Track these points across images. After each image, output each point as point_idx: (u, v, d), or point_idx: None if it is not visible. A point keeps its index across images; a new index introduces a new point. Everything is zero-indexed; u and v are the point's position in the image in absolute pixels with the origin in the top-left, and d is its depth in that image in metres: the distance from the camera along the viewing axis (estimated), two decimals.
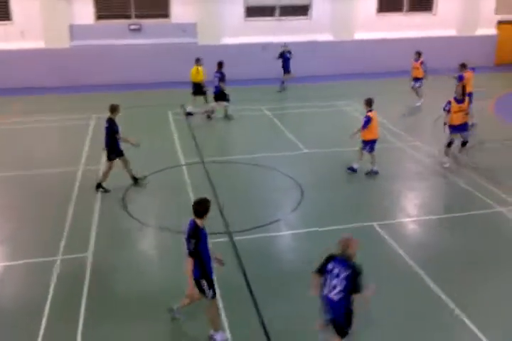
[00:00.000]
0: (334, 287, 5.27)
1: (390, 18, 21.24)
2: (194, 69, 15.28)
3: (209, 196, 9.94)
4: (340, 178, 11.15)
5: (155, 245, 8.76)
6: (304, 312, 6.44)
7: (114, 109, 10.19)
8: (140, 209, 9.83)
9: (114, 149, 10.27)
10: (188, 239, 5.87)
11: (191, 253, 5.84)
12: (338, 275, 5.25)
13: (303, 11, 20.58)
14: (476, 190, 10.40)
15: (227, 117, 15.18)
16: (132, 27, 19.04)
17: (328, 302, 5.36)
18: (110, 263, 8.05)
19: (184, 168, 11.62)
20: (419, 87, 16.41)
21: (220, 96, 14.76)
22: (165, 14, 19.41)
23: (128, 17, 19.16)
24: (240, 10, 19.86)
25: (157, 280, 7.64)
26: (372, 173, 11.17)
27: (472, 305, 6.93)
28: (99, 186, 10.36)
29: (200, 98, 15.42)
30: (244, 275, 7.59)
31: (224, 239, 8.60)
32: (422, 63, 16.19)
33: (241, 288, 7.31)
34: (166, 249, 8.45)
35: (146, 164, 11.48)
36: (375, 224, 9.09)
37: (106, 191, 10.32)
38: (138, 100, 17.08)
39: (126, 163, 10.49)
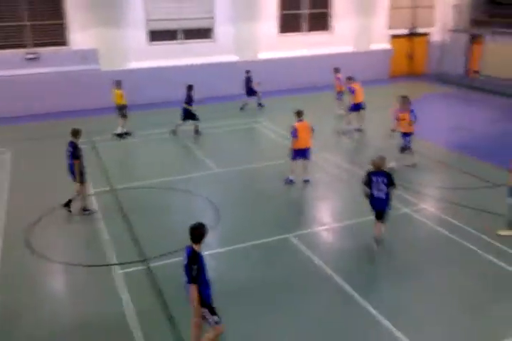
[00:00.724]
0: (380, 189, 8.27)
1: (290, 38, 22.02)
2: (114, 92, 15.52)
3: (122, 224, 9.87)
4: (253, 194, 11.23)
5: (65, 282, 8.27)
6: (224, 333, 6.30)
7: (76, 132, 10.14)
8: (46, 244, 9.24)
9: (82, 172, 10.17)
10: (188, 266, 5.72)
11: (194, 280, 5.69)
12: (382, 181, 8.22)
13: (206, 33, 20.84)
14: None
15: (197, 134, 15.68)
16: (29, 56, 18.29)
17: (377, 199, 8.36)
18: (16, 308, 7.46)
19: (93, 197, 11.14)
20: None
21: (188, 116, 15.48)
22: (63, 42, 18.87)
23: (24, 46, 18.41)
24: (143, 34, 19.74)
25: (70, 318, 7.18)
26: (305, 182, 11.58)
27: (385, 305, 7.16)
28: (85, 210, 10.35)
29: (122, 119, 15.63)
30: (163, 300, 7.35)
31: (140, 266, 8.31)
32: (338, 79, 17.23)
33: (159, 313, 7.07)
34: (79, 285, 8.01)
35: (52, 196, 10.92)
36: (290, 235, 9.21)
37: (91, 212, 10.38)
38: (39, 131, 16.35)
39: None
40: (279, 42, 21.81)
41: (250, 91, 18.86)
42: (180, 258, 6.10)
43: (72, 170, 10.10)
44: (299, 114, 11.40)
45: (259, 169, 12.66)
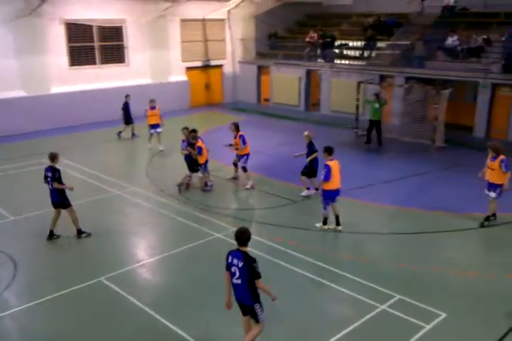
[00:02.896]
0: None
1: (84, 71, 21.23)
2: None
3: None
4: (54, 240, 10.27)
5: None
6: None
7: (54, 156, 10.02)
8: None
9: (64, 195, 10.03)
10: (249, 265, 6.03)
11: (260, 275, 6.06)
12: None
13: None
14: (193, 222, 10.95)
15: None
16: None
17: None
18: None
19: None
20: (159, 132, 17.11)
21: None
22: None
23: None
24: None
25: None
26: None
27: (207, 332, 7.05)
28: (80, 232, 10.24)
29: None
30: None
31: None
32: (159, 110, 17.16)
33: None
34: None
35: None
36: (102, 278, 8.59)
37: (88, 234, 10.28)
38: None
39: (58, 216, 10.17)
40: (71, 75, 20.85)
41: (129, 119, 18.48)
42: None
43: (54, 195, 9.96)
44: (193, 133, 13.08)
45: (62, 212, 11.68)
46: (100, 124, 20.63)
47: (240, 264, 6.07)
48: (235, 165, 13.65)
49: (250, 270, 6.02)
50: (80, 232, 10.26)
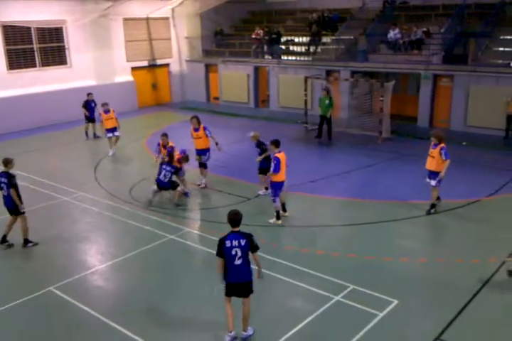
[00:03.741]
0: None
1: (24, 74, 20.48)
2: None
3: None
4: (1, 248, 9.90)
5: None
6: None
7: (8, 161, 9.73)
8: None
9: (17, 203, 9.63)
10: (251, 239, 6.55)
11: (258, 247, 6.66)
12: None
13: None
14: (145, 225, 10.78)
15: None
16: None
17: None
18: None
19: None
20: (118, 136, 16.63)
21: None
22: None
23: None
24: None
25: None
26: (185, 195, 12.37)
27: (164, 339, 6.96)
28: (26, 241, 9.89)
29: None
30: None
31: None
32: (114, 112, 16.55)
33: None
34: None
35: None
36: (51, 288, 8.32)
37: (35, 244, 9.96)
38: None
39: (14, 221, 9.88)
40: (10, 79, 20.06)
41: (90, 117, 18.36)
42: None
43: (9, 201, 9.64)
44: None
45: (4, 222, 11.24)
46: (45, 128, 20.05)
47: (243, 242, 6.49)
48: (202, 165, 13.05)
49: (251, 244, 6.51)
50: (26, 242, 9.89)
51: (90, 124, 18.68)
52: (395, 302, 7.64)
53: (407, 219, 10.83)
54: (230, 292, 6.76)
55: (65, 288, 8.33)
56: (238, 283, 6.67)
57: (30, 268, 9.25)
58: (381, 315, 7.34)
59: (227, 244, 6.50)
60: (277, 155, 10.34)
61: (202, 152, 12.94)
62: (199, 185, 13.07)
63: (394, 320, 7.26)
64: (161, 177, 11.75)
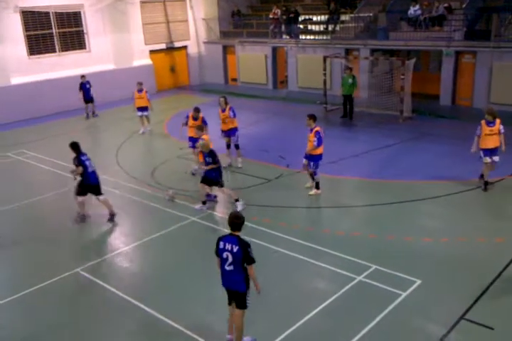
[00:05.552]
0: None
1: (44, 60, 20.63)
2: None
3: None
4: (25, 232, 10.17)
5: None
6: None
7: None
8: None
9: None
10: (244, 250, 5.92)
11: (254, 260, 5.99)
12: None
13: None
14: (167, 207, 10.91)
15: None
16: None
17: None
18: None
19: None
20: (148, 115, 17.14)
21: None
22: None
23: None
24: None
25: None
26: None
27: (188, 318, 7.11)
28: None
29: None
30: None
31: None
32: (146, 92, 16.97)
33: None
34: None
35: None
36: (79, 269, 8.53)
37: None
38: None
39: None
40: (31, 65, 20.24)
41: (86, 97, 19.15)
42: None
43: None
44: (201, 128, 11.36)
45: (32, 205, 11.50)
46: (66, 114, 20.24)
47: (235, 249, 5.94)
48: (229, 146, 13.24)
49: (245, 254, 5.91)
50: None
51: (89, 104, 19.48)
52: (418, 282, 7.64)
53: (429, 199, 10.74)
54: (228, 296, 6.37)
55: (92, 270, 8.53)
56: (229, 289, 6.25)
57: (57, 251, 9.42)
58: (404, 294, 7.36)
59: (221, 245, 6.07)
60: (318, 129, 10.83)
61: (230, 132, 13.01)
62: (238, 166, 13.17)
63: (417, 299, 7.27)
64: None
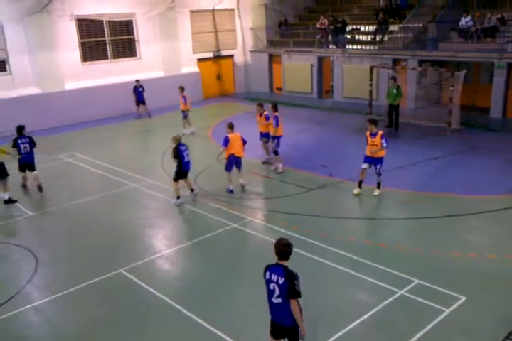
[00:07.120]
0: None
1: (96, 66, 21.36)
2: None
3: None
4: (73, 232, 10.50)
5: None
6: None
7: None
8: None
9: None
10: (290, 283, 5.31)
11: (299, 294, 5.37)
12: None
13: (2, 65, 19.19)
14: (209, 213, 11.01)
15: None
16: None
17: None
18: None
19: None
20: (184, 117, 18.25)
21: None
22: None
23: None
24: None
25: None
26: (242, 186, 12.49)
27: (226, 323, 7.14)
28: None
29: None
30: None
31: None
32: (183, 98, 18.08)
33: None
34: None
35: None
36: (122, 270, 8.73)
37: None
38: None
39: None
40: (84, 71, 21.01)
41: (138, 100, 20.64)
42: None
43: None
44: (230, 126, 12.09)
45: (90, 203, 11.89)
46: (115, 119, 20.84)
47: (281, 281, 5.36)
48: (266, 142, 14.07)
49: (290, 287, 5.32)
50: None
51: (140, 106, 20.83)
52: (463, 298, 7.41)
53: (476, 214, 10.43)
54: (272, 331, 5.73)
55: (134, 271, 8.72)
56: (278, 324, 5.60)
57: (101, 253, 9.67)
58: (447, 311, 7.15)
59: (267, 275, 5.50)
60: (382, 132, 11.32)
61: (263, 135, 13.98)
62: (278, 171, 13.50)
63: (461, 317, 7.05)
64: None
